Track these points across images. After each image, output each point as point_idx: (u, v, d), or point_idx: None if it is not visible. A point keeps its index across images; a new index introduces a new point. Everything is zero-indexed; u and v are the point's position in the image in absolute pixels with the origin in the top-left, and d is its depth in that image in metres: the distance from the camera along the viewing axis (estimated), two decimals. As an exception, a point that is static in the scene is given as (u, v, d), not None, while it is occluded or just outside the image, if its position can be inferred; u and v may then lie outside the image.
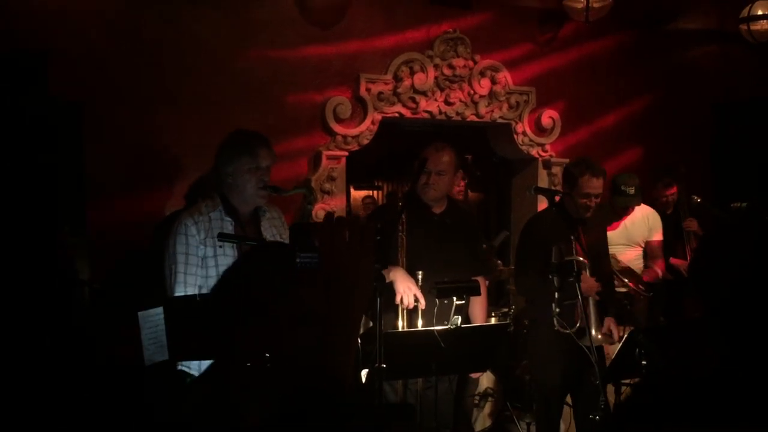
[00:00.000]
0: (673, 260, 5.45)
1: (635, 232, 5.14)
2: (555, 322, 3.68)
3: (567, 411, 4.25)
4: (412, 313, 3.58)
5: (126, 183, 4.32)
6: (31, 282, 3.33)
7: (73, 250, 3.66)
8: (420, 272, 3.59)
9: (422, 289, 3.54)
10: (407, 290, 3.49)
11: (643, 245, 5.18)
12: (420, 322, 3.56)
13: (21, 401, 3.13)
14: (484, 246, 4.78)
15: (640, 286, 4.95)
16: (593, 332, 3.65)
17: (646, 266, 5.17)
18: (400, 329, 3.55)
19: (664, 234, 5.25)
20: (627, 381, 4.62)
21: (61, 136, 3.46)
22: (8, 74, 3.37)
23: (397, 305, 3.54)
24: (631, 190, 4.94)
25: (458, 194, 5.33)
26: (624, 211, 5.08)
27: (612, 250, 4.56)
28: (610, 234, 4.73)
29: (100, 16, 4.27)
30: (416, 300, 3.51)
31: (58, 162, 3.43)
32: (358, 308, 1.39)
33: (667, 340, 3.40)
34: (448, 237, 3.83)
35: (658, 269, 5.13)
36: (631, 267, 5.04)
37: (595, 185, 3.92)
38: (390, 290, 3.47)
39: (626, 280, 4.87)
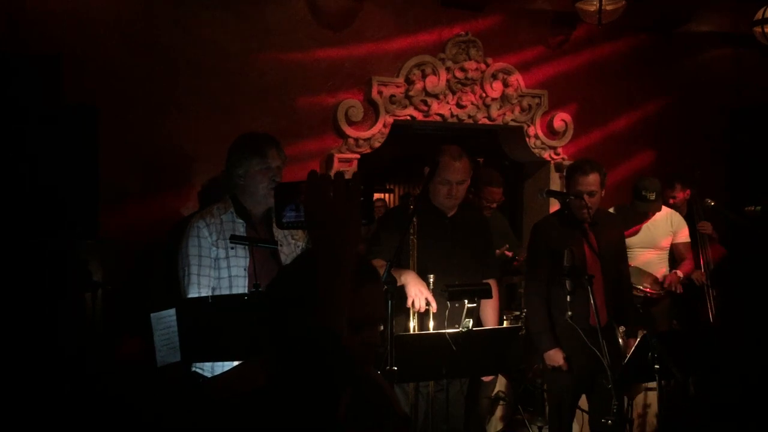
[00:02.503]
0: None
1: (657, 235, 5.11)
2: (568, 318, 3.67)
3: (579, 413, 4.22)
4: (423, 316, 3.58)
5: (139, 186, 4.35)
6: (44, 283, 3.35)
7: (86, 252, 3.68)
8: (431, 276, 3.58)
9: (433, 292, 3.53)
10: (419, 293, 3.48)
11: (664, 248, 5.14)
12: (431, 325, 3.56)
13: (30, 402, 3.15)
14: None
15: (646, 287, 4.92)
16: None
17: (671, 270, 5.13)
18: (411, 332, 3.55)
19: None
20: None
21: (75, 139, 3.48)
22: (23, 78, 3.40)
23: (409, 308, 3.53)
24: (652, 196, 4.91)
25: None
26: (645, 216, 5.05)
27: (630, 252, 4.53)
28: (630, 238, 4.70)
29: (113, 20, 4.30)
30: (428, 303, 3.51)
31: (72, 165, 3.44)
32: (347, 264, 1.38)
33: (681, 344, 3.39)
34: (460, 240, 3.82)
35: (680, 272, 5.07)
36: (643, 268, 5.01)
37: (587, 182, 3.90)
38: (401, 293, 3.47)
39: (640, 285, 4.84)
